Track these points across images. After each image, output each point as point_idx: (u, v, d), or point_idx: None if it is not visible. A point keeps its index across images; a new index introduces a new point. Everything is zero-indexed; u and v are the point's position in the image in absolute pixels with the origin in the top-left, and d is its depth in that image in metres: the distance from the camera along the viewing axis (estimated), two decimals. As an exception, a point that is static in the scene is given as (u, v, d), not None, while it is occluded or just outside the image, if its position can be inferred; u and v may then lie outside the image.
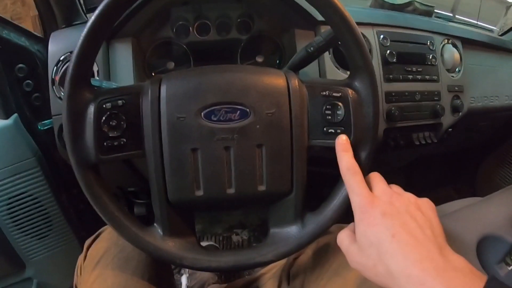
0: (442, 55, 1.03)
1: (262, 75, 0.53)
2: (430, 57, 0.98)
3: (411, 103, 0.93)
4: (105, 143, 0.50)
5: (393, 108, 0.89)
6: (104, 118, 0.50)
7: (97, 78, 0.77)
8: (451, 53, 1.05)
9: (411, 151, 1.06)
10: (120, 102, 0.51)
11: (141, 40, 0.84)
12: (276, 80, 0.53)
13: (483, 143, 1.60)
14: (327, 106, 0.53)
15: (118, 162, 0.70)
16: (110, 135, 0.50)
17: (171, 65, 0.88)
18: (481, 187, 1.75)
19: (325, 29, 0.68)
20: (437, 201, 1.45)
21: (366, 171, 0.50)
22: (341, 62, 0.85)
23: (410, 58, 0.94)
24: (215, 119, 0.51)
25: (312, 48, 0.67)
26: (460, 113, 1.05)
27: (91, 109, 0.50)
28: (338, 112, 0.53)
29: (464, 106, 1.05)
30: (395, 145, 0.94)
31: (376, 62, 0.89)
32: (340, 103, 0.53)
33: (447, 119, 1.02)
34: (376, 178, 0.48)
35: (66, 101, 0.49)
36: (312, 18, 0.82)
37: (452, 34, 1.08)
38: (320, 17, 0.82)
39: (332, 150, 0.51)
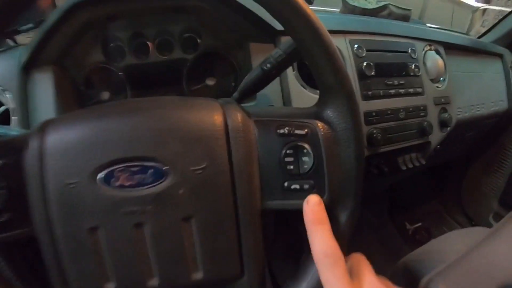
0: (424, 63, 0.91)
1: (186, 111, 0.38)
2: (413, 67, 0.85)
3: (395, 123, 0.79)
4: None
5: (374, 130, 0.75)
6: None
7: (12, 122, 0.61)
8: (434, 61, 0.93)
9: (396, 176, 0.92)
10: None
11: (67, 67, 0.68)
12: (207, 117, 0.37)
13: (467, 153, 1.51)
14: (287, 151, 0.38)
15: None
16: None
17: (106, 95, 0.72)
18: (467, 198, 1.67)
19: (286, 40, 0.53)
20: (425, 218, 1.32)
21: (346, 241, 0.37)
22: (309, 79, 0.70)
23: (390, 70, 0.80)
24: (117, 184, 0.35)
25: (269, 65, 0.51)
26: (449, 128, 0.92)
27: None
28: (303, 158, 0.38)
29: (452, 119, 0.93)
30: (378, 173, 0.80)
31: (351, 77, 0.74)
32: (306, 145, 0.38)
33: (436, 136, 0.90)
34: (362, 265, 0.34)
35: None
36: (270, 28, 0.67)
37: (434, 39, 0.97)
38: (279, 26, 0.67)
39: (299, 213, 0.37)
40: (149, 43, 0.72)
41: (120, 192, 0.35)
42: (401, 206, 1.58)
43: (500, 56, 1.26)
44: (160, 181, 0.35)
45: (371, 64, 0.77)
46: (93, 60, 0.71)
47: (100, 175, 0.35)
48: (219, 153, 0.36)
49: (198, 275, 0.37)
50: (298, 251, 1.04)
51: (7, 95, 0.62)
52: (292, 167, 0.38)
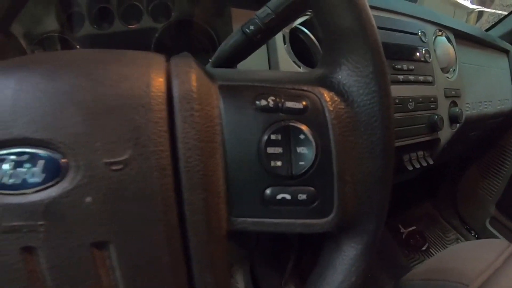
0: (434, 50, 0.80)
1: (103, 68, 0.23)
2: (423, 52, 0.74)
3: (403, 114, 0.67)
4: None
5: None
6: None
7: None
8: (445, 48, 0.83)
9: (400, 178, 0.81)
10: None
11: (14, 35, 0.56)
12: (136, 77, 0.23)
13: (465, 154, 1.41)
14: (272, 136, 0.24)
15: None
16: None
17: None
18: (463, 201, 1.60)
19: None
20: (418, 221, 1.22)
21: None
22: (303, 56, 0.58)
23: (398, 52, 0.68)
24: None
25: (252, 28, 0.36)
26: (458, 124, 0.82)
27: None
28: (298, 149, 0.24)
29: (463, 114, 0.82)
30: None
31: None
32: (303, 127, 0.24)
33: (445, 133, 0.79)
34: None
35: None
36: (254, -9, 0.55)
37: (445, 25, 0.85)
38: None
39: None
40: (113, 10, 0.59)
41: None
42: (393, 208, 1.47)
43: (507, 52, 1.18)
44: (55, 180, 0.21)
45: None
46: (46, 29, 0.58)
47: None
48: (154, 136, 0.22)
49: None
50: (283, 256, 0.93)
51: None
52: (279, 163, 0.24)
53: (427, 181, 1.63)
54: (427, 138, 0.73)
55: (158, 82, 0.22)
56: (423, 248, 1.38)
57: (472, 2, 2.78)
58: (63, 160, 0.21)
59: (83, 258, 0.22)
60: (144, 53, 0.25)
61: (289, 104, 0.24)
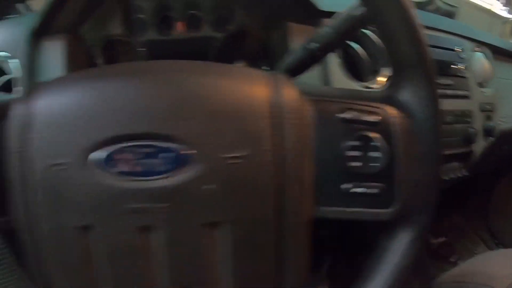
0: (471, 65, 0.83)
1: (221, 78, 0.29)
2: (461, 67, 0.77)
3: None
4: None
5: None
6: None
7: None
8: (482, 64, 0.86)
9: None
10: None
11: (82, 38, 0.62)
12: (249, 88, 0.28)
13: (498, 167, 1.42)
14: (352, 143, 0.30)
15: None
16: None
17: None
18: (493, 215, 1.58)
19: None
20: (448, 233, 1.24)
21: (404, 273, 0.31)
22: (355, 71, 0.63)
23: (438, 68, 0.72)
24: (117, 169, 0.26)
25: (314, 45, 0.42)
26: (493, 138, 0.84)
27: None
28: (372, 154, 0.30)
29: (497, 128, 0.85)
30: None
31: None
32: (377, 136, 0.30)
33: (479, 146, 0.81)
34: None
35: None
36: (312, 7, 0.60)
37: (482, 41, 0.88)
38: (324, 7, 0.60)
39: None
40: (175, 18, 0.64)
41: (122, 181, 0.26)
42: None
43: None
44: (179, 170, 0.26)
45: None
46: (112, 32, 0.65)
47: (95, 155, 0.26)
48: (264, 138, 0.27)
49: None
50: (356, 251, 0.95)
51: (13, 63, 0.57)
52: (358, 164, 0.30)
53: (458, 193, 1.63)
54: (462, 150, 0.76)
55: (267, 96, 0.28)
56: (452, 260, 1.39)
57: (509, 12, 2.75)
58: (187, 153, 0.26)
59: (198, 237, 0.27)
60: (248, 68, 0.31)
61: (366, 117, 0.30)
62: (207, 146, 0.26)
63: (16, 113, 0.28)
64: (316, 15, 0.61)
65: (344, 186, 0.30)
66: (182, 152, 0.26)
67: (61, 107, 0.27)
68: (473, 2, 1.56)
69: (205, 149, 0.26)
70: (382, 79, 0.65)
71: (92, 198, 0.27)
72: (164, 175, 0.26)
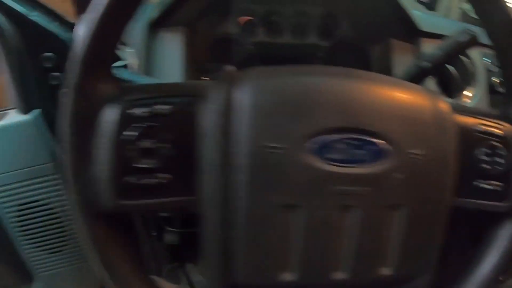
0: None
1: (405, 91, 0.35)
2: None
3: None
4: (129, 179, 0.30)
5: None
6: (133, 133, 0.30)
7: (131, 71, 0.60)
8: None
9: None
10: (164, 108, 0.31)
11: (195, 33, 0.67)
12: (420, 100, 0.35)
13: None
14: (484, 149, 0.37)
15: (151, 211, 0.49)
16: (141, 165, 0.30)
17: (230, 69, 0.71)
18: None
19: (427, 43, 0.57)
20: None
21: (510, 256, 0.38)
22: (445, 88, 0.67)
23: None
24: (332, 156, 0.31)
25: (426, 64, 0.51)
26: None
27: (111, 115, 0.30)
28: (497, 159, 0.37)
29: None
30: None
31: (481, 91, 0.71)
32: (501, 145, 0.37)
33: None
34: None
35: (69, 96, 0.29)
36: (413, 26, 0.65)
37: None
38: (424, 27, 0.66)
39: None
40: (283, 23, 0.70)
41: (334, 167, 0.31)
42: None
43: None
44: (380, 160, 0.32)
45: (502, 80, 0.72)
46: (224, 30, 0.70)
47: (313, 143, 0.30)
48: (436, 141, 0.34)
49: (387, 271, 0.34)
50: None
51: (130, 51, 0.62)
52: (487, 166, 0.37)
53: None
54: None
55: (436, 108, 0.35)
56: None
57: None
58: (386, 147, 0.32)
59: (382, 216, 0.33)
60: (411, 84, 0.38)
61: (496, 131, 0.37)
62: (402, 144, 0.32)
63: (217, 97, 0.31)
64: (417, 35, 0.67)
65: (475, 182, 0.37)
66: (383, 146, 0.32)
67: (276, 96, 0.31)
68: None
69: (401, 146, 0.32)
70: (467, 95, 0.69)
71: (303, 179, 0.31)
72: (369, 164, 0.32)
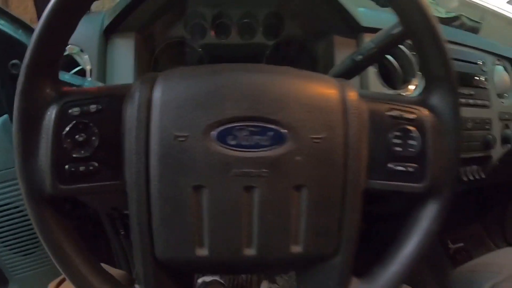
0: (492, 77, 0.91)
1: (306, 80, 0.39)
2: (482, 79, 0.85)
3: (463, 132, 0.79)
4: (66, 167, 0.36)
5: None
6: (67, 129, 0.36)
7: (87, 78, 0.64)
8: (502, 76, 0.94)
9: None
10: (93, 107, 0.37)
11: (147, 37, 0.71)
12: (327, 89, 0.38)
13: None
14: (396, 133, 0.39)
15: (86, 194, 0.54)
16: (75, 155, 0.36)
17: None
18: (510, 224, 1.61)
19: (369, 37, 0.57)
20: (466, 240, 1.30)
21: (432, 235, 0.40)
22: (387, 79, 0.72)
23: (462, 79, 0.81)
24: (233, 143, 0.35)
25: (360, 57, 0.53)
26: (509, 145, 0.92)
27: (51, 114, 0.36)
28: (410, 142, 0.39)
29: (514, 137, 0.92)
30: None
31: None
32: (414, 129, 0.39)
33: (497, 152, 0.89)
34: None
35: (17, 97, 0.35)
36: (355, 23, 0.70)
37: (503, 55, 0.96)
38: (365, 23, 0.70)
39: (395, 193, 0.39)
40: (231, 25, 0.74)
41: (235, 152, 0.35)
42: (445, 225, 1.54)
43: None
44: (279, 145, 0.35)
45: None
46: (174, 34, 0.74)
47: (216, 131, 0.35)
48: (337, 125, 0.37)
49: (297, 249, 0.37)
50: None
51: (85, 56, 0.65)
52: (399, 148, 0.39)
53: (477, 203, 1.68)
54: (481, 154, 0.84)
55: (338, 95, 0.38)
56: (467, 264, 1.45)
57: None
58: (285, 132, 0.36)
59: (285, 196, 0.36)
60: (321, 74, 0.41)
61: (406, 115, 0.40)
62: (300, 129, 0.36)
63: (140, 95, 0.36)
64: (358, 30, 0.72)
65: (389, 165, 0.39)
66: (283, 132, 0.36)
67: (185, 92, 0.36)
68: (500, 14, 1.61)
69: (299, 131, 0.36)
70: (411, 87, 0.75)
71: (208, 163, 0.35)
72: (268, 148, 0.35)
